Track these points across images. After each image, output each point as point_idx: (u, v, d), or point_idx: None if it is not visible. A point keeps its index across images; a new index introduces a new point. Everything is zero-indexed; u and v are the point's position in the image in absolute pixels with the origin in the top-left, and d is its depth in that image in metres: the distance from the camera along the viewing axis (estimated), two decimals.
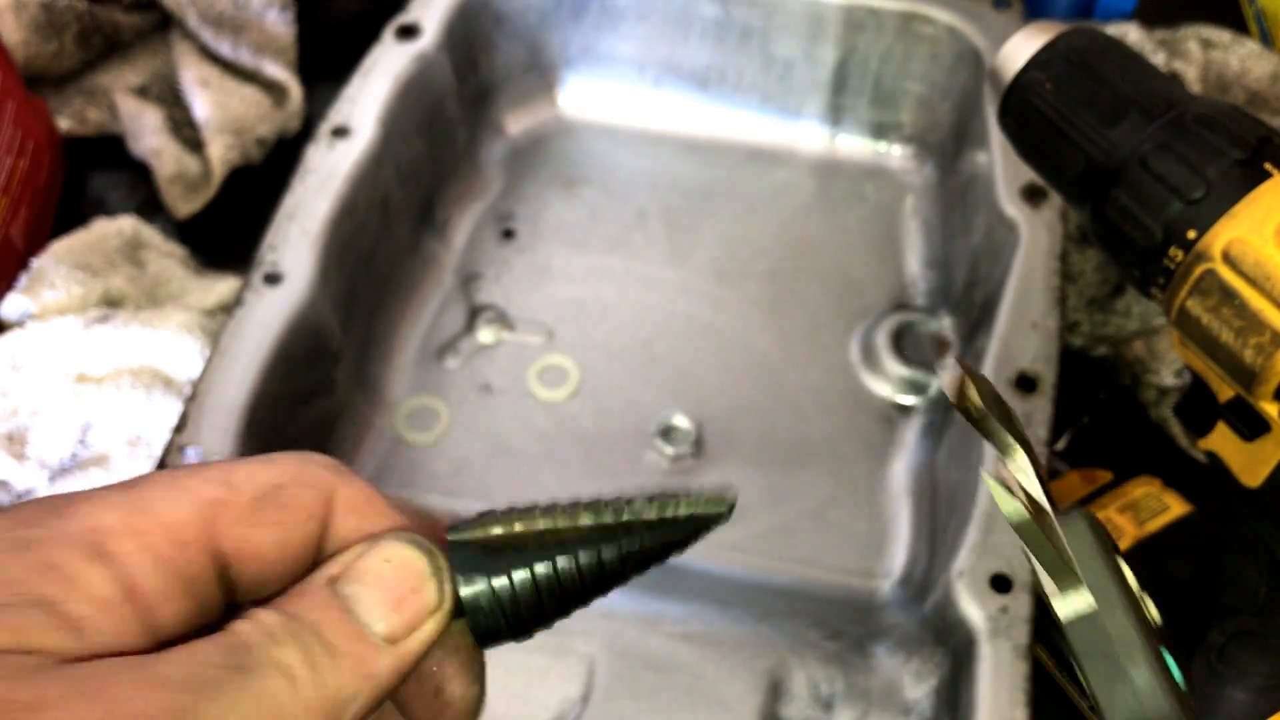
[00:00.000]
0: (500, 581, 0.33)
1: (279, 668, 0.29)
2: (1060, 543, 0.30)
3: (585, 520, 0.34)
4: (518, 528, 0.34)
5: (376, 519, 0.33)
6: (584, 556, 0.33)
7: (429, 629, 0.32)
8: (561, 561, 0.33)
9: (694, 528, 0.34)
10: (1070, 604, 0.30)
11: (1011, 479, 0.30)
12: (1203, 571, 0.61)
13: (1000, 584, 0.62)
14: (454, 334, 0.85)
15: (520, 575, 0.33)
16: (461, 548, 0.33)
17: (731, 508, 0.34)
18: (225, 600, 0.32)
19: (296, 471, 0.33)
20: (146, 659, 0.28)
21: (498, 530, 0.34)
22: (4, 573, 0.28)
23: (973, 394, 0.28)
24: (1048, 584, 0.30)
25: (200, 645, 0.29)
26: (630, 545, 0.34)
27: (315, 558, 0.33)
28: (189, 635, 0.30)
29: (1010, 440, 0.32)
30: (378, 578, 0.31)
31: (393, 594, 0.31)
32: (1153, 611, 0.31)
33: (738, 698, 0.69)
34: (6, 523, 0.29)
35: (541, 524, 0.34)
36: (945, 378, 0.29)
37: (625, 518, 0.34)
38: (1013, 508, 0.29)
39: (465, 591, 0.33)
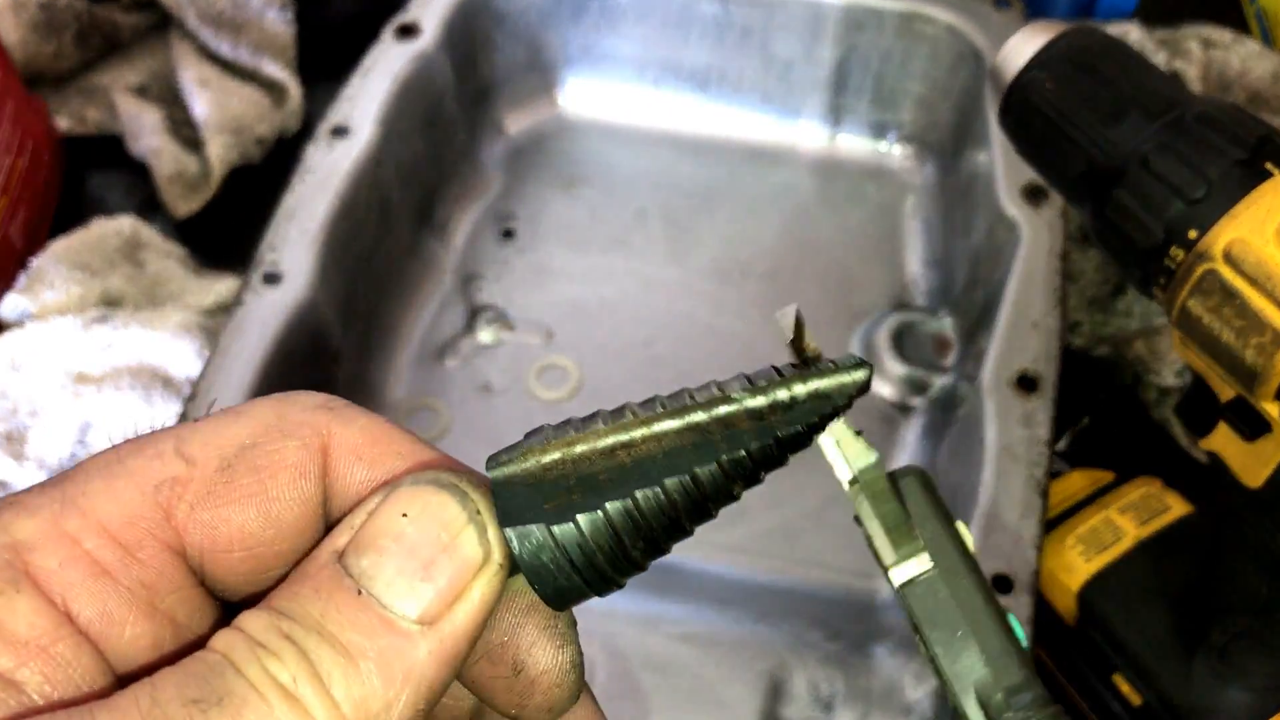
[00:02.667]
0: (564, 528, 0.25)
1: (273, 691, 0.22)
2: (901, 497, 0.27)
3: (667, 425, 0.25)
4: (579, 450, 0.25)
5: (391, 462, 0.26)
6: (670, 479, 0.25)
7: (478, 595, 0.24)
8: (642, 491, 0.25)
9: (820, 411, 0.25)
10: (907, 569, 0.27)
11: (842, 435, 0.26)
12: (1204, 572, 0.61)
13: (1001, 585, 0.62)
14: (454, 334, 0.85)
15: (589, 518, 0.25)
16: (507, 486, 0.25)
17: (869, 375, 0.26)
18: (218, 609, 0.25)
19: (272, 420, 0.25)
20: (89, 710, 0.21)
21: (553, 455, 0.25)
22: None
23: (809, 337, 0.25)
24: (884, 547, 0.27)
25: (165, 678, 0.22)
26: (734, 451, 0.25)
27: (324, 529, 0.25)
28: (164, 662, 0.23)
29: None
30: (396, 539, 0.23)
31: (419, 557, 0.23)
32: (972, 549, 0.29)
33: (738, 698, 0.69)
34: None
35: (609, 439, 0.25)
36: (782, 316, 0.25)
37: (721, 412, 0.25)
38: (848, 464, 0.26)
39: (518, 544, 0.25)
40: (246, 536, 0.24)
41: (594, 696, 0.29)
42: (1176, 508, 0.69)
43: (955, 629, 0.27)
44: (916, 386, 0.82)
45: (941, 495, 0.28)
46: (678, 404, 0.26)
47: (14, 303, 0.79)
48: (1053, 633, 0.68)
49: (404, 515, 0.24)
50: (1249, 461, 0.53)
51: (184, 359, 0.76)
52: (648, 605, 0.71)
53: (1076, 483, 0.72)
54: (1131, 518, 0.68)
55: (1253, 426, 0.51)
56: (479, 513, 0.24)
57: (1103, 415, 0.81)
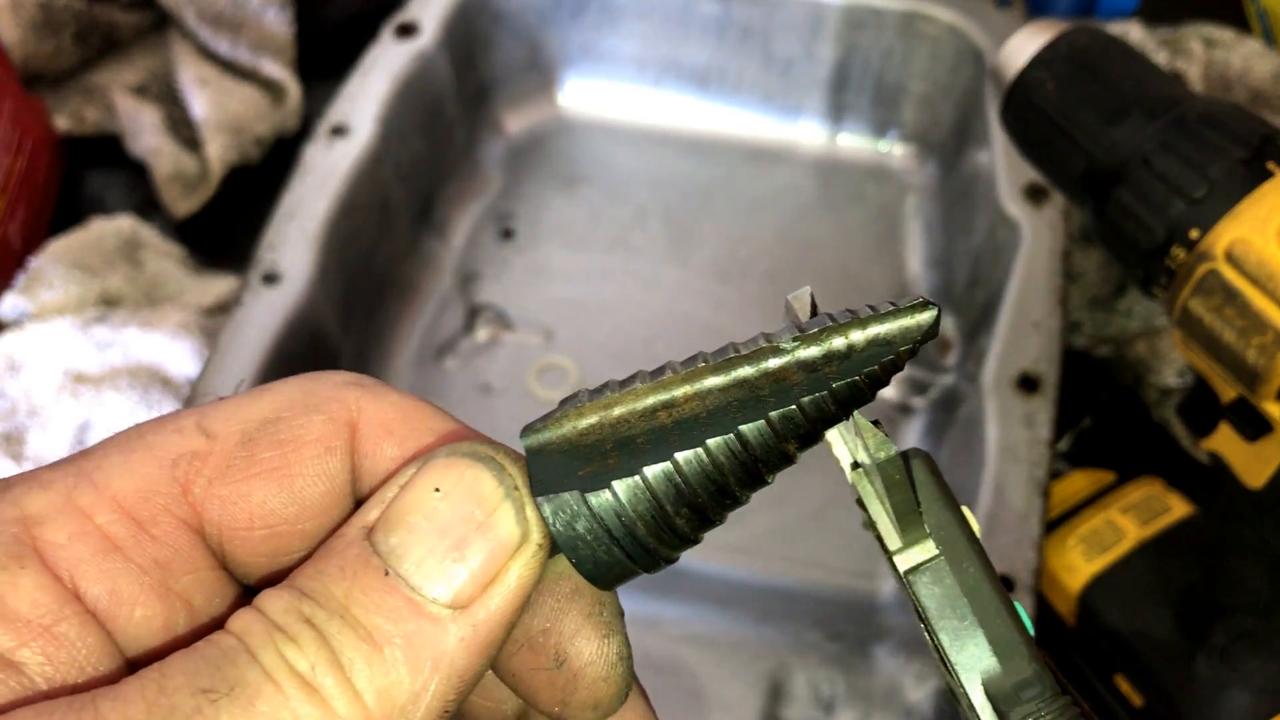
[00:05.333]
0: (600, 496, 0.23)
1: (289, 680, 0.20)
2: (910, 487, 0.25)
3: (711, 381, 0.23)
4: (617, 412, 0.23)
5: (424, 439, 0.24)
6: (714, 439, 0.23)
7: (516, 576, 0.22)
8: (683, 454, 0.23)
9: (882, 360, 0.23)
10: (913, 555, 0.26)
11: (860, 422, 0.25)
12: (1206, 572, 0.61)
13: (1002, 585, 0.62)
14: (453, 334, 0.85)
15: (626, 483, 0.23)
16: (540, 454, 0.23)
17: (936, 316, 0.23)
18: (238, 590, 0.24)
19: (299, 396, 0.24)
20: (91, 698, 0.20)
21: (591, 420, 0.23)
22: None
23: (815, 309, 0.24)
24: (889, 533, 0.26)
25: (174, 663, 0.20)
26: (783, 406, 0.23)
27: (352, 509, 0.24)
28: (177, 646, 0.21)
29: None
30: (427, 515, 0.22)
31: (451, 535, 0.22)
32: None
33: (738, 699, 0.69)
34: None
35: (649, 400, 0.23)
36: (795, 299, 0.24)
37: (771, 366, 0.23)
38: (864, 441, 0.24)
39: (551, 515, 0.23)
40: (268, 514, 0.23)
41: (646, 695, 0.27)
42: (1178, 508, 0.68)
43: (962, 617, 0.26)
44: (917, 386, 0.82)
45: (944, 479, 0.27)
46: (723, 358, 0.23)
47: (12, 303, 0.79)
48: (1053, 633, 0.68)
49: (436, 490, 0.22)
50: (1250, 462, 0.53)
51: (183, 359, 0.76)
52: (648, 606, 0.71)
53: (1078, 483, 0.72)
54: (1133, 518, 0.68)
55: (1254, 427, 0.51)
56: (516, 488, 0.23)
57: (1104, 416, 0.81)
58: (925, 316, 0.23)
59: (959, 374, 0.80)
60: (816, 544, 0.76)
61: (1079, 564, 0.67)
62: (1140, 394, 0.81)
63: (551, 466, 0.23)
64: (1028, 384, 0.69)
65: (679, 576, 0.72)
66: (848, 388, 0.23)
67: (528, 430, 0.24)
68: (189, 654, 0.21)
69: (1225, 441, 0.54)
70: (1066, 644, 0.68)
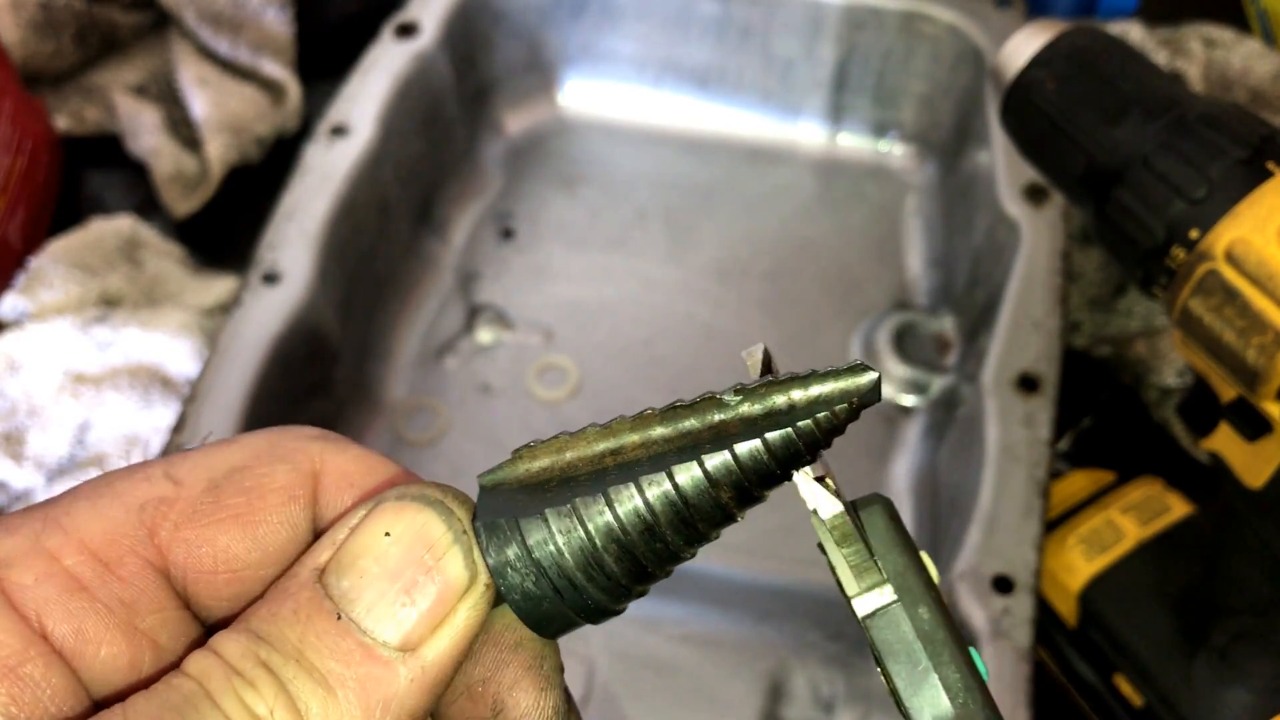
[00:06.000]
0: (531, 523, 0.23)
1: None
2: (864, 534, 0.27)
3: (658, 430, 0.24)
4: (569, 456, 0.24)
5: (383, 490, 0.25)
6: (648, 479, 0.23)
7: (463, 618, 0.23)
8: (618, 490, 0.23)
9: (818, 418, 0.23)
10: (871, 600, 0.26)
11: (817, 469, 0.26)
12: (1205, 572, 0.61)
13: (1002, 585, 0.62)
14: (453, 334, 0.85)
15: (556, 510, 0.23)
16: (494, 494, 0.24)
17: (876, 382, 0.23)
18: (202, 631, 0.24)
19: (264, 448, 0.24)
20: None
21: (543, 462, 0.24)
22: None
23: (775, 365, 0.25)
24: (847, 580, 0.26)
25: (136, 705, 0.21)
26: (719, 454, 0.23)
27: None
28: (143, 685, 0.22)
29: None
30: (378, 559, 0.22)
31: (401, 579, 0.22)
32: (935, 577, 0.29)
33: (738, 699, 0.69)
34: None
35: (600, 445, 0.24)
36: (749, 355, 0.25)
37: (715, 419, 0.24)
38: (820, 496, 0.25)
39: (486, 541, 0.23)
40: (231, 558, 0.23)
41: None
42: (1178, 508, 0.68)
43: (916, 662, 0.26)
44: (918, 387, 0.82)
45: (904, 525, 0.28)
46: (671, 414, 0.24)
47: (12, 303, 0.79)
48: (1053, 633, 0.68)
49: (387, 534, 0.23)
50: (1250, 462, 0.53)
51: (183, 359, 0.76)
52: (648, 606, 0.71)
53: (1077, 483, 0.72)
54: (1133, 518, 0.68)
55: (1254, 426, 0.51)
56: (465, 532, 0.23)
57: (1104, 415, 0.81)
58: (865, 380, 0.23)
59: (959, 374, 0.80)
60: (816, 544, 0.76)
61: (1079, 564, 0.67)
62: (1140, 394, 0.81)
63: (499, 503, 0.24)
64: (1028, 384, 0.69)
65: (679, 577, 0.72)
66: (781, 440, 0.23)
67: (484, 473, 0.24)
68: (150, 695, 0.21)
69: (1225, 441, 0.54)
70: (1066, 644, 0.68)
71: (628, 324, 0.86)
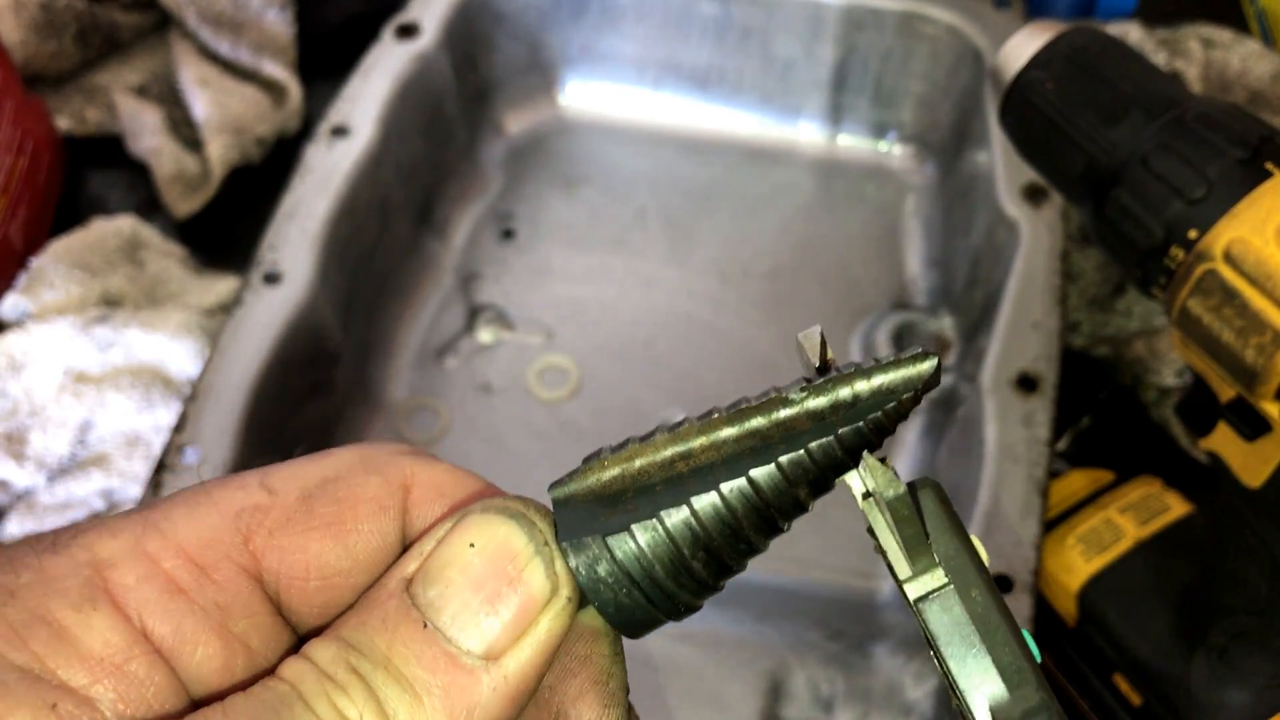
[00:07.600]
0: (622, 541, 0.24)
1: None
2: (918, 516, 0.26)
3: (726, 432, 0.24)
4: (638, 464, 0.25)
5: (470, 502, 0.25)
6: (728, 484, 0.24)
7: (546, 629, 0.24)
8: (698, 499, 0.24)
9: (885, 407, 0.24)
10: (923, 584, 0.26)
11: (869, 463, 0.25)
12: (1204, 572, 0.61)
13: (1001, 585, 0.62)
14: (453, 334, 0.85)
15: (645, 527, 0.24)
16: (568, 506, 0.25)
17: (937, 366, 0.24)
18: (293, 637, 0.25)
19: (356, 460, 0.25)
20: None
21: (613, 472, 0.25)
22: None
23: (832, 354, 0.25)
24: (899, 564, 0.26)
25: (235, 705, 0.22)
26: (794, 452, 0.24)
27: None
28: (236, 687, 0.23)
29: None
30: (462, 570, 0.23)
31: (484, 589, 0.23)
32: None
33: (738, 698, 0.69)
34: None
35: (668, 451, 0.25)
36: (806, 338, 0.25)
37: (781, 416, 0.24)
38: (883, 479, 0.25)
39: (575, 561, 0.24)
40: (323, 565, 0.24)
41: None
42: (1176, 508, 0.68)
43: (970, 645, 0.26)
44: None
45: (954, 508, 0.27)
46: (735, 410, 0.25)
47: (14, 303, 0.79)
48: (1053, 633, 0.68)
49: (471, 545, 0.24)
50: (1249, 461, 0.53)
51: (184, 359, 0.76)
52: None
53: (1076, 483, 0.72)
54: (1131, 518, 0.68)
55: (1253, 426, 0.51)
56: (546, 544, 0.24)
57: (1103, 415, 0.81)
58: (926, 366, 0.24)
59: (958, 374, 0.80)
60: (816, 543, 0.76)
61: (1078, 563, 0.67)
62: (1139, 394, 0.81)
63: (577, 517, 0.24)
64: (1027, 384, 0.69)
65: None
66: (854, 433, 0.24)
67: (554, 485, 0.25)
68: (248, 697, 0.22)
69: (1224, 441, 0.54)
70: (1065, 643, 0.68)
71: (628, 324, 0.86)
